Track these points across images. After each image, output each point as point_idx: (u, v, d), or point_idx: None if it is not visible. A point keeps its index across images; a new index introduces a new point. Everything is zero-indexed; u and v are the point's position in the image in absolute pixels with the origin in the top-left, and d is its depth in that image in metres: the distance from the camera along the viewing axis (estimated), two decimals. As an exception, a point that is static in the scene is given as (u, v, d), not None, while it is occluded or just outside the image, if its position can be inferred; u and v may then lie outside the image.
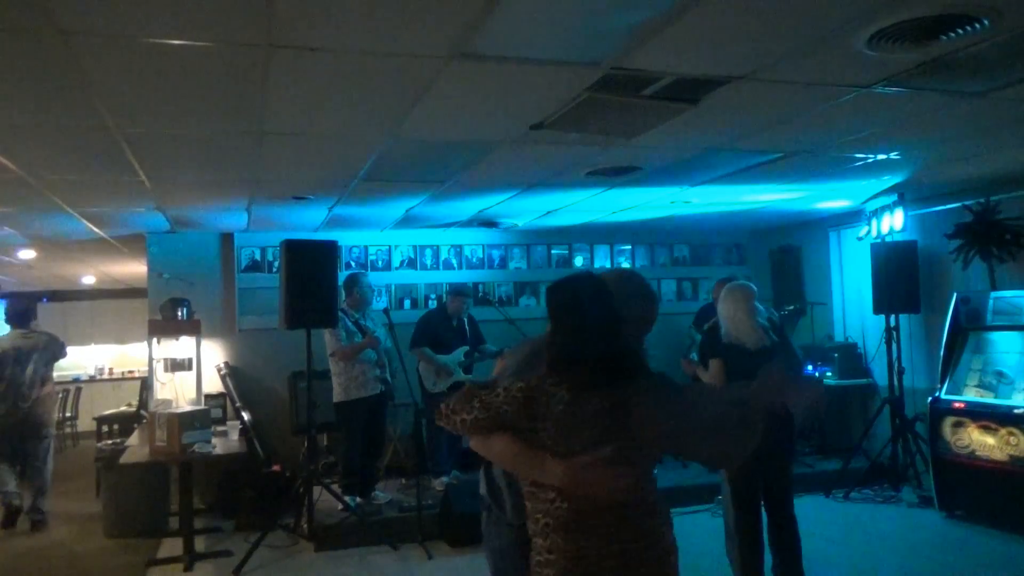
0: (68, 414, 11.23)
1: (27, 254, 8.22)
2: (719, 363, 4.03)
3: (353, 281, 6.13)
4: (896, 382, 6.43)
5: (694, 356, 4.79)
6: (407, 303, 7.64)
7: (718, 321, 4.15)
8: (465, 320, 6.67)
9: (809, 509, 5.19)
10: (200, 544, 5.48)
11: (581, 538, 1.98)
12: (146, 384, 7.91)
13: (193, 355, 6.62)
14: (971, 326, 5.77)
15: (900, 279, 6.33)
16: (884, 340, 6.57)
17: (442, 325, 6.49)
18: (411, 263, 7.72)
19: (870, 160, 4.90)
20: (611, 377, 2.01)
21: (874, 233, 6.56)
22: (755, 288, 4.19)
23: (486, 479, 2.48)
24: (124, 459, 5.33)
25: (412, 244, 7.70)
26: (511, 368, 2.33)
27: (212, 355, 7.03)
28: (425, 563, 5.09)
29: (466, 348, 6.54)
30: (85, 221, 6.18)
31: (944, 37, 2.69)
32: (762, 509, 4.08)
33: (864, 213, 6.75)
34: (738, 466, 3.85)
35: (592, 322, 2.05)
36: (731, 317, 4.00)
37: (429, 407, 6.36)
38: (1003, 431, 5.22)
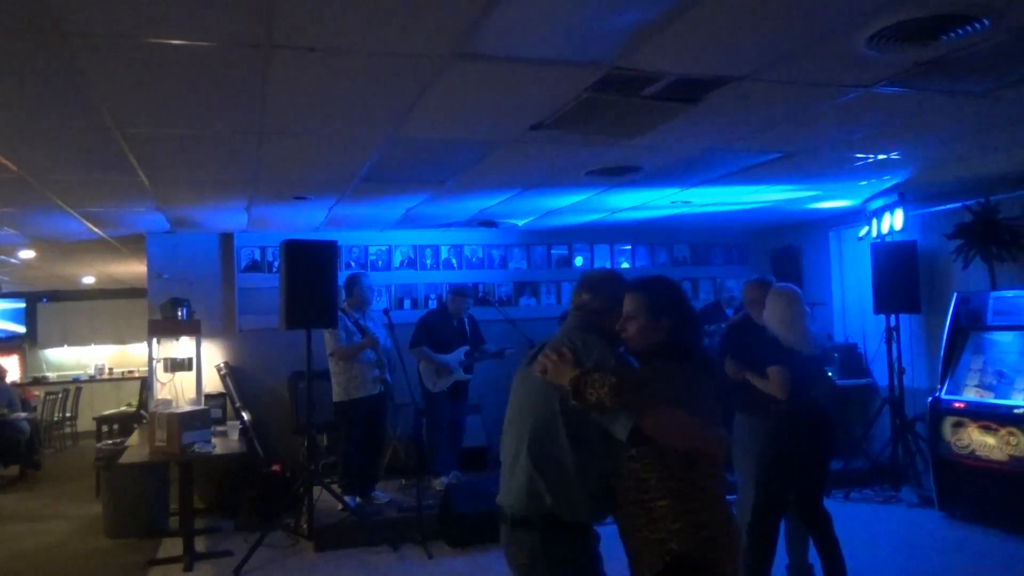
0: (68, 414, 11.24)
1: (27, 254, 8.22)
2: (784, 371, 3.79)
3: (354, 281, 6.13)
4: (896, 382, 6.43)
5: None
6: (407, 303, 7.64)
7: (745, 318, 4.09)
8: (466, 320, 6.67)
9: (809, 509, 5.19)
10: (200, 544, 5.48)
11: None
12: (146, 384, 7.91)
13: (193, 355, 6.63)
14: (971, 326, 5.77)
15: (900, 279, 6.32)
16: (884, 340, 6.57)
17: (443, 325, 6.49)
18: (411, 263, 7.72)
19: (870, 160, 4.90)
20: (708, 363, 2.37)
21: (874, 233, 6.56)
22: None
23: (553, 490, 2.24)
24: (124, 459, 5.34)
25: (412, 244, 7.69)
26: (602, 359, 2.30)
27: (212, 355, 7.03)
28: (425, 563, 5.09)
29: (467, 348, 6.54)
30: (85, 221, 6.18)
31: (944, 37, 2.69)
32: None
33: (864, 213, 6.75)
34: (773, 468, 3.85)
35: (695, 315, 2.40)
36: (784, 321, 3.82)
37: (429, 406, 6.36)
38: (1003, 431, 5.22)
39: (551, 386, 2.23)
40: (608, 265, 8.35)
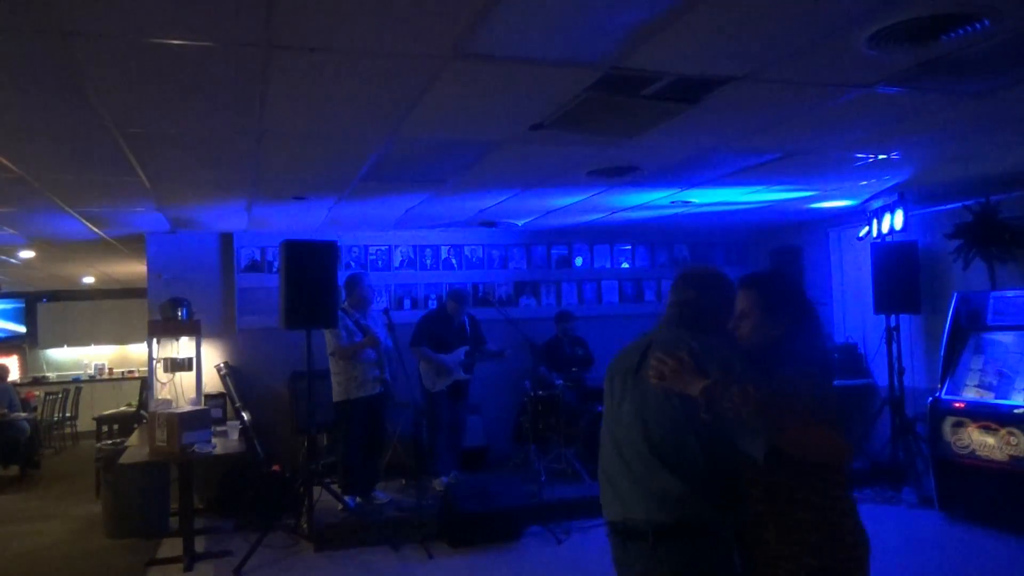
0: (68, 414, 11.24)
1: (27, 254, 8.22)
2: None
3: (354, 281, 6.12)
4: (896, 382, 6.43)
5: None
6: (407, 303, 7.64)
7: None
8: (466, 320, 6.67)
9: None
10: (200, 544, 5.47)
11: None
12: (146, 384, 7.91)
13: (193, 355, 6.62)
14: (971, 326, 5.77)
15: (900, 279, 6.32)
16: (884, 340, 6.57)
17: (443, 325, 6.49)
18: (411, 263, 7.72)
19: (870, 160, 4.90)
20: None
21: (874, 233, 6.56)
22: None
23: (693, 497, 2.11)
24: (124, 459, 5.33)
25: (412, 244, 7.70)
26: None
27: (212, 355, 7.04)
28: (425, 563, 5.09)
29: (467, 348, 6.54)
30: (85, 221, 6.18)
31: (944, 37, 2.69)
32: None
33: (864, 213, 6.75)
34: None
35: (814, 309, 2.33)
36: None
37: (430, 407, 6.36)
38: (1003, 431, 5.22)
39: (670, 391, 2.12)
40: (608, 265, 8.36)
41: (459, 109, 3.45)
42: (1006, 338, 5.54)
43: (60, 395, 11.07)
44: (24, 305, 13.25)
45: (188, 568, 5.06)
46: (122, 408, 9.65)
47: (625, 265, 8.44)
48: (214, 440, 5.45)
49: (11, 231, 6.61)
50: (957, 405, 5.56)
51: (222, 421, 6.59)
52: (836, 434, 2.06)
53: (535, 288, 8.11)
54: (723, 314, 2.28)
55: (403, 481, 6.55)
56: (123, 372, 12.99)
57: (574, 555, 5.21)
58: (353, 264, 7.41)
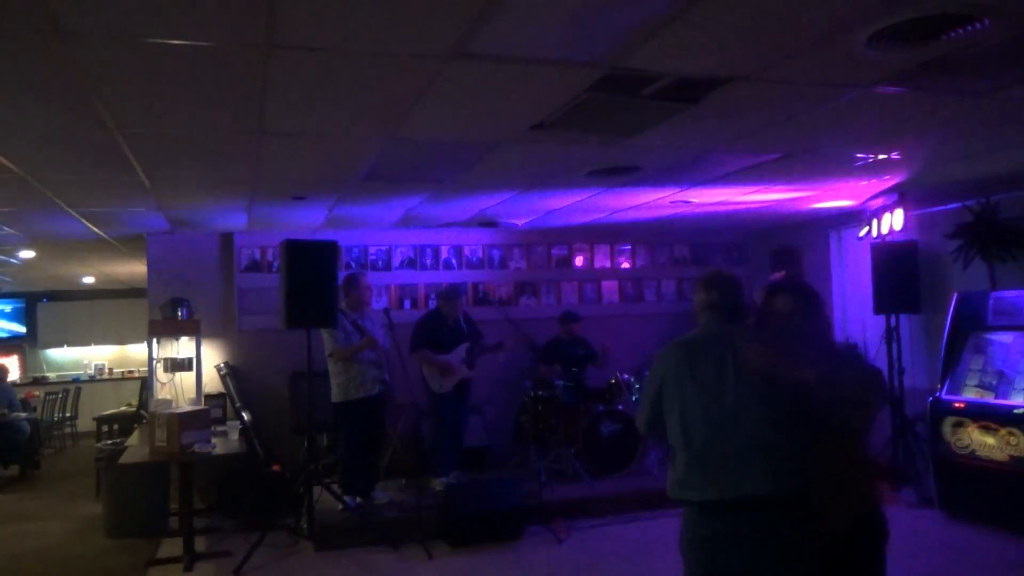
0: (68, 414, 11.24)
1: (27, 254, 8.23)
2: None
3: (351, 281, 6.12)
4: (896, 382, 6.43)
5: None
6: (407, 303, 7.65)
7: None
8: (460, 319, 6.65)
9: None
10: (200, 544, 5.48)
11: None
12: (146, 384, 7.92)
13: (193, 355, 6.63)
14: (971, 326, 5.77)
15: (900, 279, 6.32)
16: (884, 340, 6.57)
17: (439, 327, 6.47)
18: (411, 263, 7.72)
19: (870, 160, 4.90)
20: None
21: (874, 233, 6.56)
22: None
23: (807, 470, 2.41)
24: (124, 459, 5.33)
25: (412, 244, 7.70)
26: None
27: (212, 355, 7.04)
28: (425, 563, 5.09)
29: (466, 345, 6.52)
30: (85, 221, 6.18)
31: (944, 37, 2.69)
32: None
33: (864, 213, 6.75)
34: None
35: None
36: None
37: (436, 408, 6.35)
38: (1003, 431, 5.22)
39: (779, 376, 2.43)
40: (608, 265, 8.36)
41: (459, 109, 3.45)
42: (1006, 338, 5.54)
43: (60, 395, 11.07)
44: (24, 305, 13.25)
45: (188, 568, 5.06)
46: (122, 408, 9.65)
47: (625, 265, 8.44)
48: (214, 440, 5.45)
49: (11, 231, 6.61)
50: (957, 405, 5.56)
51: (222, 421, 6.59)
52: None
53: (535, 288, 8.11)
54: (747, 312, 2.70)
55: (403, 481, 6.55)
56: (123, 372, 13.00)
57: (574, 555, 5.21)
58: (353, 264, 7.41)
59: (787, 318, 2.60)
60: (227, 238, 7.21)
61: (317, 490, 5.59)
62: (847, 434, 2.50)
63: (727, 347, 2.52)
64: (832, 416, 2.42)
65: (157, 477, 6.00)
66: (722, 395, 2.47)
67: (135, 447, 5.72)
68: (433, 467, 6.32)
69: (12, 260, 8.63)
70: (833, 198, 6.50)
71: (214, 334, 7.04)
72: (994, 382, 5.49)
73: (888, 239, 6.46)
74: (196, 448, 5.12)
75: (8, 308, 13.22)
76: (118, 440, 7.13)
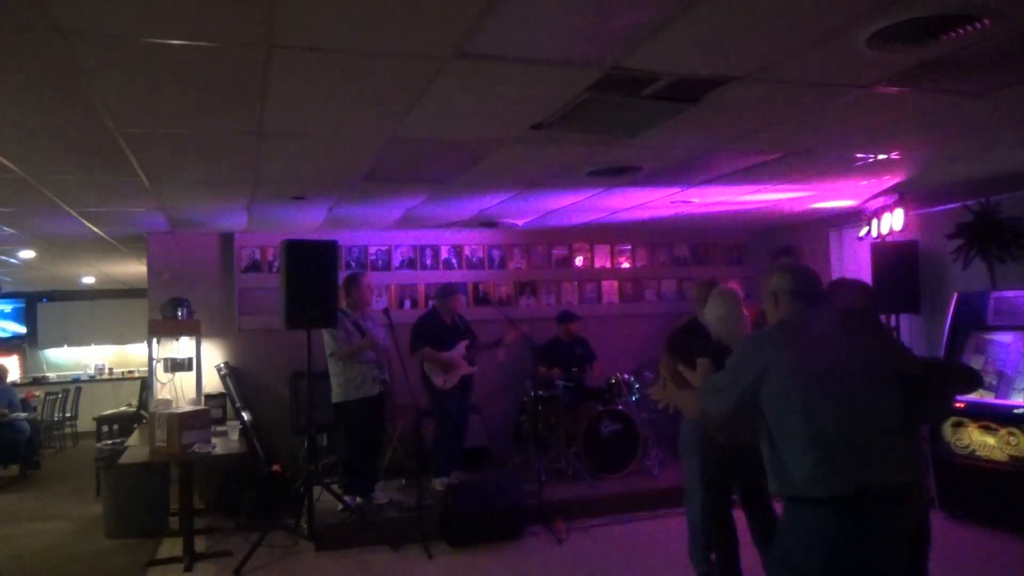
0: (68, 414, 11.24)
1: (27, 254, 8.23)
2: (709, 363, 4.02)
3: (351, 281, 6.12)
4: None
5: None
6: (407, 303, 7.64)
7: (694, 321, 4.16)
8: (457, 316, 6.64)
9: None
10: (200, 544, 5.48)
11: None
12: (146, 384, 7.92)
13: (193, 355, 6.63)
14: (971, 326, 5.77)
15: (900, 279, 6.32)
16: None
17: (437, 325, 6.46)
18: (411, 263, 7.72)
19: (870, 160, 4.90)
20: None
21: (874, 233, 6.56)
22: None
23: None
24: (124, 459, 5.34)
25: (412, 244, 7.70)
26: None
27: (212, 355, 7.04)
28: (425, 563, 5.10)
29: (466, 342, 6.51)
30: (85, 221, 6.18)
31: (944, 37, 2.69)
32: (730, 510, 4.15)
33: (864, 213, 6.75)
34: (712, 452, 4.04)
35: None
36: (723, 318, 3.92)
37: (440, 404, 6.34)
38: (1003, 431, 5.22)
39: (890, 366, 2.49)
40: (608, 265, 8.36)
41: (459, 109, 3.45)
42: (1006, 338, 5.54)
43: (60, 395, 11.07)
44: (24, 305, 13.25)
45: (188, 568, 5.06)
46: (122, 408, 9.66)
47: (626, 265, 8.44)
48: (214, 440, 5.45)
49: (11, 231, 6.61)
50: (957, 405, 5.55)
51: (222, 421, 6.59)
52: None
53: (535, 288, 8.11)
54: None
55: (403, 481, 6.55)
56: (123, 372, 13.00)
57: (574, 555, 5.22)
58: (353, 264, 7.41)
59: (864, 313, 2.73)
60: (227, 238, 7.21)
61: (317, 490, 5.59)
62: (920, 425, 2.70)
63: (839, 334, 2.46)
64: (921, 407, 2.54)
65: (157, 477, 6.01)
66: (845, 383, 2.38)
67: (135, 447, 5.72)
68: (434, 466, 6.32)
69: (12, 260, 8.63)
70: (833, 198, 6.50)
71: (214, 334, 7.04)
72: (994, 382, 5.49)
73: (888, 239, 6.46)
74: (196, 448, 5.12)
75: (8, 308, 13.22)
76: (118, 440, 7.13)
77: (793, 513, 2.39)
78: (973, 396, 5.53)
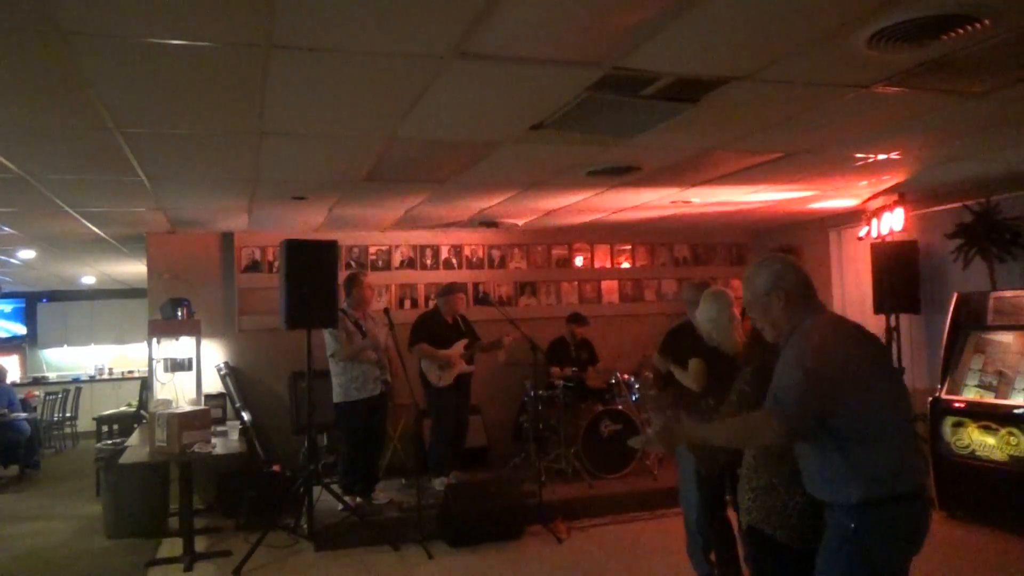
0: (68, 414, 11.24)
1: (27, 254, 8.23)
2: (701, 364, 4.05)
3: (352, 281, 6.12)
4: (896, 382, 6.42)
5: None
6: (407, 303, 7.64)
7: (687, 322, 4.16)
8: (458, 316, 6.63)
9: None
10: (200, 544, 5.48)
11: None
12: (146, 384, 7.91)
13: (193, 355, 6.62)
14: (971, 326, 5.77)
15: (900, 279, 6.32)
16: (884, 340, 6.56)
17: (437, 323, 6.46)
18: (411, 263, 7.72)
19: (870, 160, 4.90)
20: None
21: (874, 233, 6.56)
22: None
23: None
24: (124, 459, 5.33)
25: (412, 244, 7.70)
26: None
27: (212, 355, 7.03)
28: (425, 563, 5.09)
29: (464, 341, 6.51)
30: (85, 221, 6.18)
31: (944, 37, 2.69)
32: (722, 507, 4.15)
33: (864, 213, 6.75)
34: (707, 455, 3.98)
35: None
36: (714, 320, 3.88)
37: (434, 402, 6.33)
38: (1003, 431, 5.22)
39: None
40: (608, 265, 8.36)
41: (459, 109, 3.45)
42: (1006, 338, 5.54)
43: (60, 395, 11.07)
44: (24, 305, 13.25)
45: (188, 568, 5.06)
46: (122, 408, 9.66)
47: (626, 265, 8.44)
48: (214, 440, 5.45)
49: (11, 231, 6.61)
50: (957, 405, 5.56)
51: (222, 421, 6.59)
52: None
53: (535, 288, 8.11)
54: None
55: (403, 481, 6.55)
56: (123, 372, 12.99)
57: (574, 555, 5.22)
58: (353, 264, 7.41)
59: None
60: (227, 238, 7.21)
61: (317, 490, 5.59)
62: None
63: (867, 335, 2.47)
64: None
65: (157, 477, 6.00)
66: (891, 384, 2.42)
67: (135, 447, 5.72)
68: (431, 466, 6.31)
69: (12, 260, 8.63)
70: (833, 198, 6.50)
71: (214, 334, 7.04)
72: (994, 382, 5.49)
73: (888, 239, 6.46)
74: (196, 448, 5.12)
75: (8, 308, 13.22)
76: (118, 440, 7.12)
77: (874, 516, 2.26)
78: (973, 396, 5.55)
